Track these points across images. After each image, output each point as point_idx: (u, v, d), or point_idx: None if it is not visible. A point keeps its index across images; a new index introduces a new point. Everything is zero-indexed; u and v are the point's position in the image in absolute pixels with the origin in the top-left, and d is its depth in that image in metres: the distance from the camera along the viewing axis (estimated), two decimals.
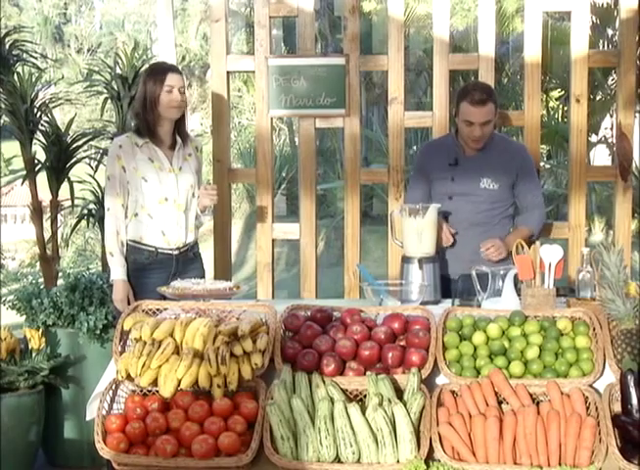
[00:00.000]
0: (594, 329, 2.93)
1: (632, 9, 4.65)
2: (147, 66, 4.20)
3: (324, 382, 2.82)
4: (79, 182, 5.13)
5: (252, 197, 15.32)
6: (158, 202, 3.99)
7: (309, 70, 4.76)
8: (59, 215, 5.39)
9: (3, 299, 4.40)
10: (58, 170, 5.05)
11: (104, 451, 2.76)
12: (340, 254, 7.50)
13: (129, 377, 2.89)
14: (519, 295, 3.26)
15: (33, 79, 5.00)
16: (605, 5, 12.34)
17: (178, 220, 4.04)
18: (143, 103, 3.94)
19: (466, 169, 4.10)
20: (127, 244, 4.01)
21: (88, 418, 3.05)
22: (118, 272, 3.95)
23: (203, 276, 4.05)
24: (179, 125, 4.09)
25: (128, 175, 3.97)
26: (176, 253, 4.04)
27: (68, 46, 34.43)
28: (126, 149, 3.97)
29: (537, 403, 2.76)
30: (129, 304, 3.79)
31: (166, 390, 2.82)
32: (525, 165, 4.15)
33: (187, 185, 4.07)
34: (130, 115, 4.12)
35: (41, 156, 5.06)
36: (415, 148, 15.35)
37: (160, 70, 3.99)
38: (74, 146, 5.09)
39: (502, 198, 4.11)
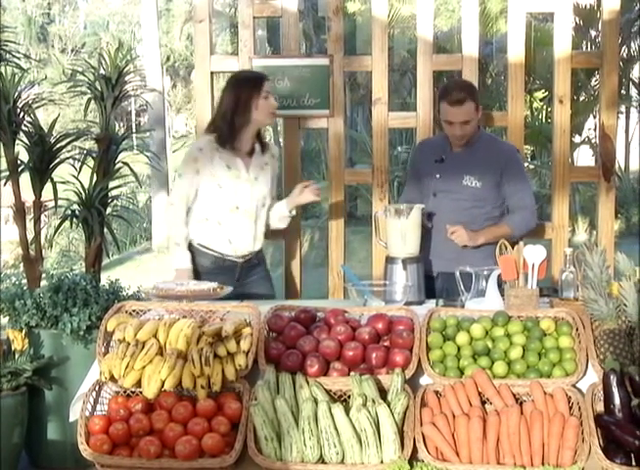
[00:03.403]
0: (577, 329, 2.94)
1: (614, 10, 4.68)
2: (232, 76, 4.14)
3: (308, 382, 2.82)
4: (63, 183, 5.08)
5: None
6: (229, 210, 3.99)
7: (293, 71, 4.76)
8: (42, 216, 5.34)
9: None
10: (41, 171, 5.01)
11: (87, 453, 2.76)
12: (324, 254, 7.49)
13: (113, 378, 2.89)
14: (502, 295, 3.27)
15: (16, 79, 4.95)
16: (588, 6, 12.40)
17: (247, 229, 4.04)
18: (234, 109, 3.90)
19: (451, 167, 4.11)
20: (195, 246, 4.01)
21: (71, 419, 3.05)
22: (186, 261, 3.94)
23: (266, 278, 4.16)
24: (259, 133, 4.10)
25: (202, 180, 3.96)
26: (241, 261, 4.06)
27: (52, 46, 34.21)
28: (206, 153, 3.95)
29: (521, 403, 2.78)
30: None
31: (150, 391, 2.81)
32: (510, 166, 4.10)
33: (260, 195, 4.06)
34: (210, 124, 4.06)
35: (24, 156, 5.01)
36: (399, 148, 15.38)
37: (255, 78, 4.01)
38: (58, 146, 5.04)
39: (485, 197, 4.07)
